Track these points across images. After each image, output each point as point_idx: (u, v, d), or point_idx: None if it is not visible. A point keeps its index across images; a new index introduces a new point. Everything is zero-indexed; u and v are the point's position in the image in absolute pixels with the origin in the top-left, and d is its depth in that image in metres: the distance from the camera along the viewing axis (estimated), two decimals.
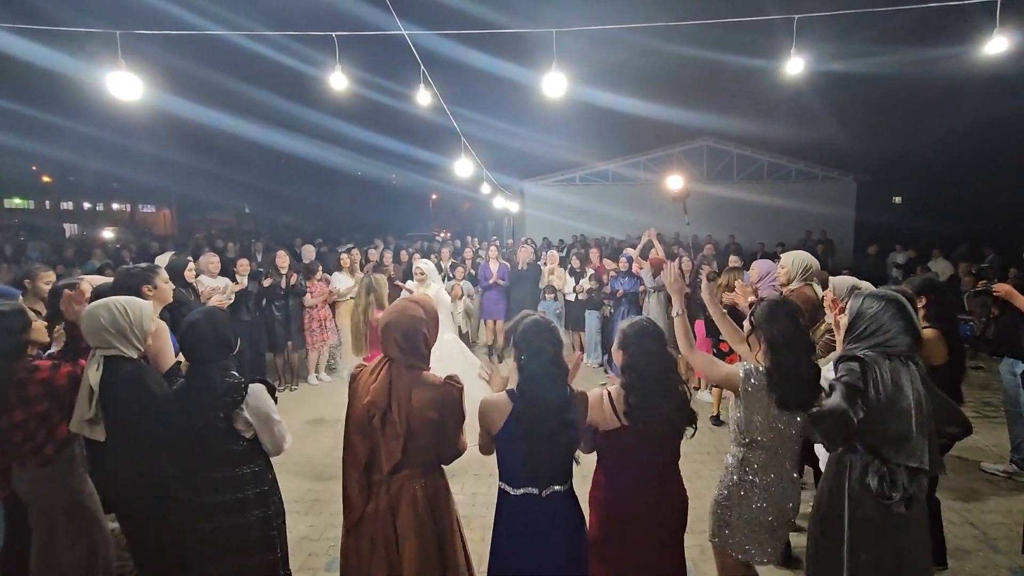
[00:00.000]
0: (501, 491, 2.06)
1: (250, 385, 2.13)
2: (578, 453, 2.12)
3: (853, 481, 1.98)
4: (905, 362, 1.96)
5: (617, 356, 2.16)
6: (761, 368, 2.16)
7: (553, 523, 1.99)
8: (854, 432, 1.86)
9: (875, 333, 1.99)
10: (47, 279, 3.47)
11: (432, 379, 2.02)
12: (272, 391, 2.23)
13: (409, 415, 1.93)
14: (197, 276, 5.43)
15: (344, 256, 7.21)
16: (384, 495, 1.95)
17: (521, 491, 1.99)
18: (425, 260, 5.38)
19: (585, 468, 2.21)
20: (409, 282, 5.22)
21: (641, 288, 6.62)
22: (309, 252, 7.38)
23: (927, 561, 2.06)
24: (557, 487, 2.01)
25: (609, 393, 2.09)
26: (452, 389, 2.01)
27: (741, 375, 2.18)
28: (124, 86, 4.27)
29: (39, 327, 2.57)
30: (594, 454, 2.19)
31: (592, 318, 7.30)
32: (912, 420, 1.89)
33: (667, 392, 2.05)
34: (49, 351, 2.71)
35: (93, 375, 2.23)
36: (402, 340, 1.99)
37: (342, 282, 6.88)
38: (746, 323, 2.34)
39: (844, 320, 2.16)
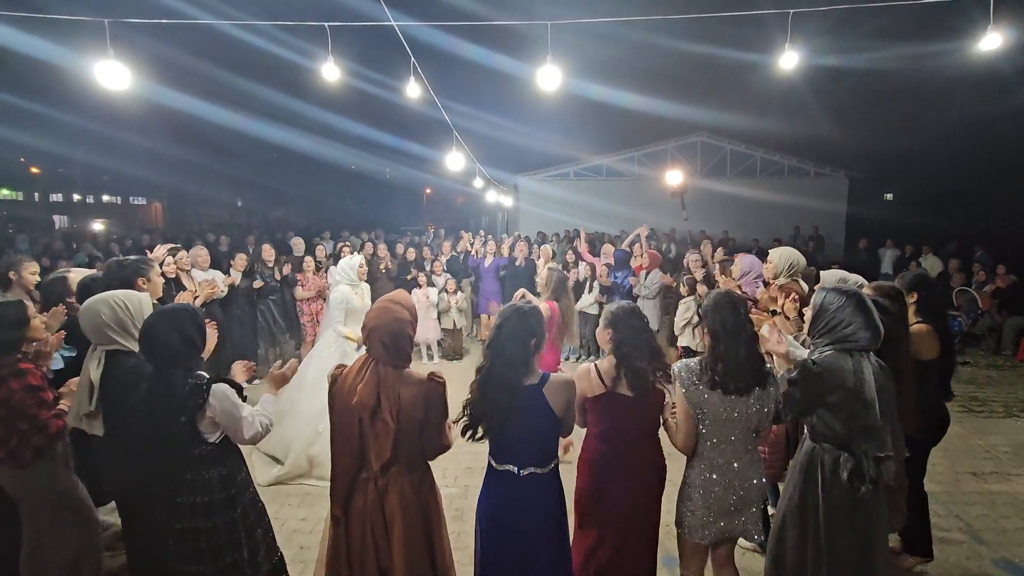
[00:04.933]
0: (488, 463, 2.19)
1: (212, 386, 2.07)
2: (563, 452, 2.19)
3: (826, 473, 2.07)
4: (866, 355, 2.06)
5: (604, 335, 2.32)
6: (689, 361, 2.26)
7: (530, 499, 2.11)
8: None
9: (836, 328, 2.09)
10: (31, 270, 3.44)
11: (416, 376, 2.06)
12: (239, 390, 2.17)
13: (398, 413, 1.96)
14: (189, 271, 5.39)
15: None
16: (372, 490, 2.00)
17: (503, 467, 2.12)
18: (357, 255, 5.03)
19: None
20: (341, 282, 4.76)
21: (633, 281, 6.62)
22: (298, 245, 7.28)
23: (886, 537, 2.23)
24: (535, 469, 2.11)
25: (596, 365, 2.28)
26: (436, 385, 2.04)
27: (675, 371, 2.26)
28: (112, 75, 4.22)
29: (37, 324, 2.53)
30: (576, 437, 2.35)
31: None
32: (876, 411, 1.99)
33: (653, 362, 2.24)
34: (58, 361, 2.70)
35: (94, 371, 2.21)
36: (389, 341, 2.03)
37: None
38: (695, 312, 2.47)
39: (808, 313, 2.22)
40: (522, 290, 4.67)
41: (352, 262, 4.55)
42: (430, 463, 2.17)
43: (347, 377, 2.05)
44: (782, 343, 2.38)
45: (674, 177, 7.46)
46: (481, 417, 2.10)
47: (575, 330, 4.69)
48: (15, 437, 2.33)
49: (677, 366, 2.30)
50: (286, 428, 4.29)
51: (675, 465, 2.39)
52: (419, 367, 2.12)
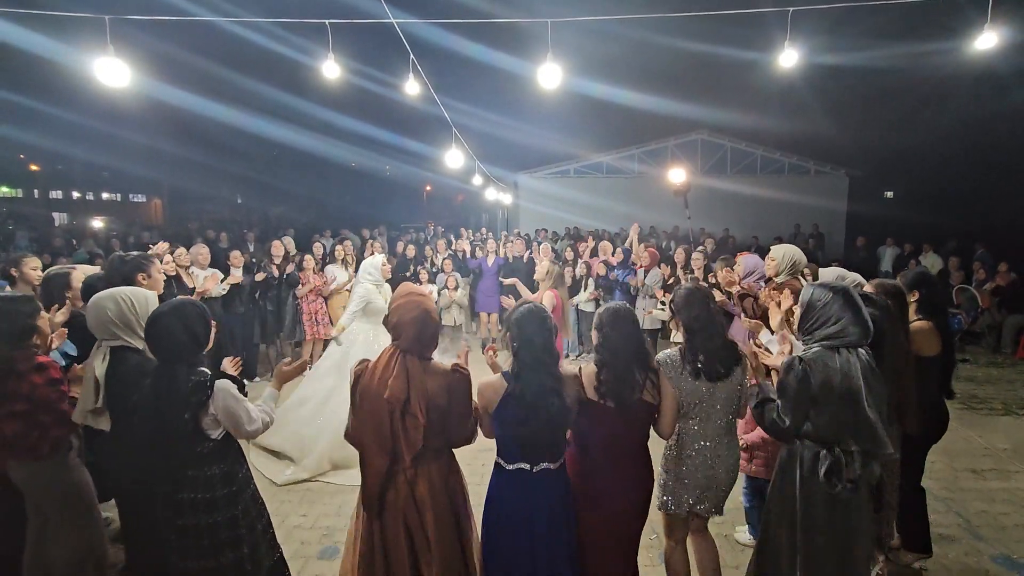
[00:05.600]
0: (497, 464, 2.17)
1: (216, 383, 2.07)
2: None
3: (804, 469, 2.07)
4: (854, 352, 2.04)
5: (594, 337, 2.29)
6: (672, 351, 2.36)
7: (543, 496, 2.11)
8: (789, 433, 2.08)
9: (825, 324, 2.08)
10: (32, 265, 3.45)
11: (441, 367, 2.10)
12: (241, 387, 2.17)
13: (427, 404, 2.00)
14: (189, 268, 5.40)
15: (339, 248, 7.15)
16: (404, 483, 2.02)
17: (514, 466, 2.11)
18: (379, 255, 5.06)
19: None
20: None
21: (632, 280, 6.61)
22: (289, 244, 7.25)
23: (871, 540, 2.23)
24: (548, 464, 2.12)
25: (580, 370, 2.23)
26: (460, 377, 2.09)
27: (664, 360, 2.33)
28: (112, 72, 4.22)
29: (45, 317, 2.55)
30: None
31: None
32: (863, 406, 1.98)
33: (638, 371, 2.17)
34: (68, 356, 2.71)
35: (99, 367, 2.23)
36: (417, 331, 2.06)
37: (337, 274, 6.84)
38: (668, 307, 2.48)
39: (797, 310, 2.23)
40: (514, 280, 4.77)
41: (376, 261, 4.56)
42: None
43: (375, 371, 2.05)
44: (776, 355, 2.37)
45: (677, 176, 7.44)
46: (517, 418, 2.06)
47: (569, 322, 5.04)
48: (36, 431, 2.34)
49: (659, 357, 2.34)
50: (300, 425, 4.27)
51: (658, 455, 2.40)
52: None
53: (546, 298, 4.43)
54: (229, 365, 2.43)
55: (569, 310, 4.64)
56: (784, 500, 2.14)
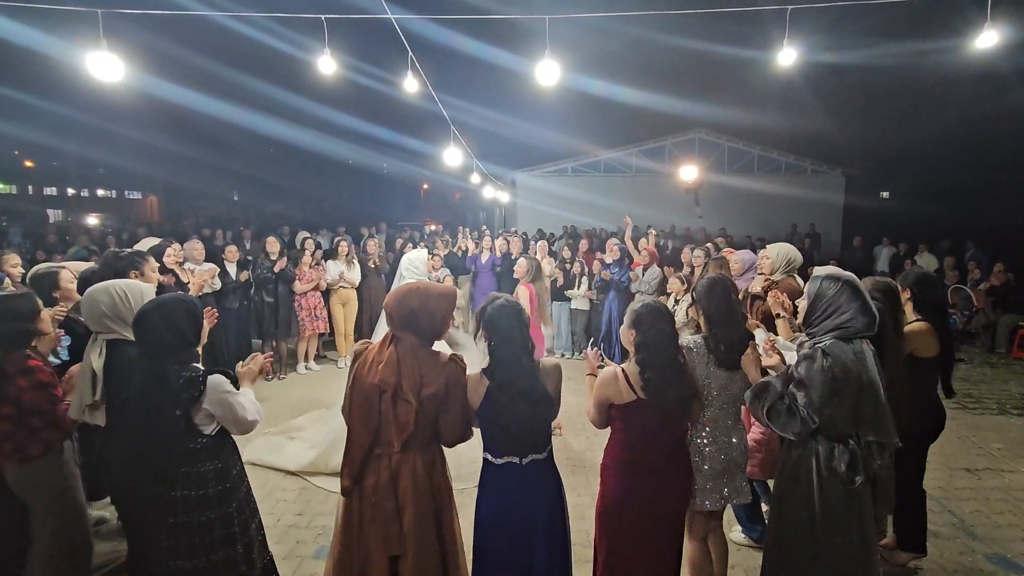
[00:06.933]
0: (485, 460, 2.16)
1: (208, 378, 2.04)
2: (557, 426, 2.17)
3: (820, 466, 2.04)
4: (865, 342, 2.04)
5: (628, 335, 2.28)
6: (699, 338, 2.39)
7: (533, 486, 2.12)
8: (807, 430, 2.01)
9: (834, 314, 2.07)
10: (12, 262, 3.43)
11: (438, 356, 2.08)
12: (233, 381, 2.15)
13: (419, 391, 1.98)
14: (183, 263, 5.36)
15: (343, 244, 7.10)
16: (385, 468, 2.00)
17: (503, 460, 2.11)
18: (423, 249, 5.01)
19: (593, 440, 2.23)
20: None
21: (634, 276, 6.58)
22: (308, 243, 7.17)
23: (875, 529, 2.22)
24: (536, 456, 2.12)
25: (624, 370, 2.20)
26: (456, 367, 2.07)
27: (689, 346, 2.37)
28: (105, 67, 4.18)
29: (46, 317, 2.50)
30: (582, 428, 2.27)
31: (555, 309, 7.15)
32: (880, 395, 1.98)
33: (676, 368, 2.19)
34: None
35: (96, 360, 2.20)
36: (404, 317, 2.04)
37: (335, 271, 6.80)
38: (687, 298, 2.49)
39: (803, 303, 2.22)
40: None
41: (421, 256, 4.44)
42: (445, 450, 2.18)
43: (370, 353, 2.06)
44: (773, 356, 2.33)
45: (689, 172, 7.47)
46: (499, 413, 2.06)
47: (549, 313, 5.14)
48: (23, 433, 2.30)
49: (684, 343, 2.35)
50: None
51: None
52: None
53: (521, 292, 4.46)
54: (259, 360, 2.34)
55: (547, 302, 4.73)
56: (798, 502, 2.09)
